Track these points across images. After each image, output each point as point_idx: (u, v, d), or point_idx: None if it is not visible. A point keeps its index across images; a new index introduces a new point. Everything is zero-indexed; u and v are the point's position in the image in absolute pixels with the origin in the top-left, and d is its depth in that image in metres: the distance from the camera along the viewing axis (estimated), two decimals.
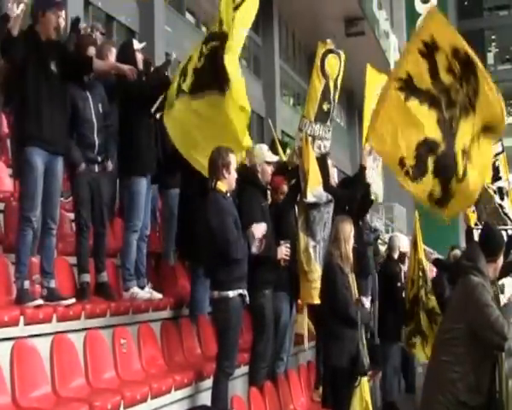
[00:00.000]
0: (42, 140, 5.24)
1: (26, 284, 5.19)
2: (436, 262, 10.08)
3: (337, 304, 6.00)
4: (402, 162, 6.59)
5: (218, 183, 5.57)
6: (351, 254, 6.18)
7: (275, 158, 6.55)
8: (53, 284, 5.35)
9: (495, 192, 10.14)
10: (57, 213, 5.50)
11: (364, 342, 6.52)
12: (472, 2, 43.34)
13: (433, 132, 6.62)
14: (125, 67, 5.98)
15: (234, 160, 5.65)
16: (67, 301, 5.26)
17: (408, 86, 6.61)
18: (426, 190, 6.58)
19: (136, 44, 6.60)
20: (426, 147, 6.63)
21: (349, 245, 6.16)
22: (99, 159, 6.06)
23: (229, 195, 5.66)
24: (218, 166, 5.56)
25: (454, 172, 6.53)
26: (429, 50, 6.55)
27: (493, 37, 43.43)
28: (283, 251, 6.27)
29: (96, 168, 6.06)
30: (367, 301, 6.65)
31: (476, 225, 10.03)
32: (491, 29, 43.28)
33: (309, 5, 24.01)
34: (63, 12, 5.47)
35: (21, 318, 4.79)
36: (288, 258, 6.31)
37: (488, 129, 6.62)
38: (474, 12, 42.91)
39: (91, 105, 6.00)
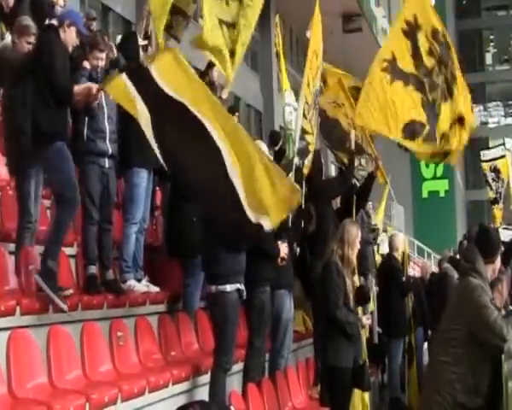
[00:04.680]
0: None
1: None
2: (451, 259, 10.16)
3: (328, 303, 5.95)
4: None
5: None
6: (353, 258, 6.09)
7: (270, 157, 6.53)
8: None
9: None
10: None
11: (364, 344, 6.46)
12: (470, 2, 43.31)
13: (419, 114, 6.86)
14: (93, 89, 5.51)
15: None
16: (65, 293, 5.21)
17: (393, 68, 6.92)
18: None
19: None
20: (412, 128, 7.01)
21: (352, 249, 6.04)
22: (110, 151, 5.99)
23: None
24: None
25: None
26: (411, 29, 6.85)
27: (491, 37, 43.45)
28: (285, 250, 6.22)
29: (107, 163, 5.99)
30: (367, 320, 6.55)
31: (501, 223, 10.06)
32: (489, 29, 43.30)
33: (306, 1, 23.93)
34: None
35: (17, 308, 4.74)
36: (286, 257, 6.27)
37: (461, 121, 6.92)
38: (472, 12, 42.90)
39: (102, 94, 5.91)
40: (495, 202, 11.51)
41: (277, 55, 8.25)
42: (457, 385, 4.64)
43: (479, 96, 41.76)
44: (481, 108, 41.98)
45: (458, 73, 7.01)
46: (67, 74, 5.33)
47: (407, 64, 6.81)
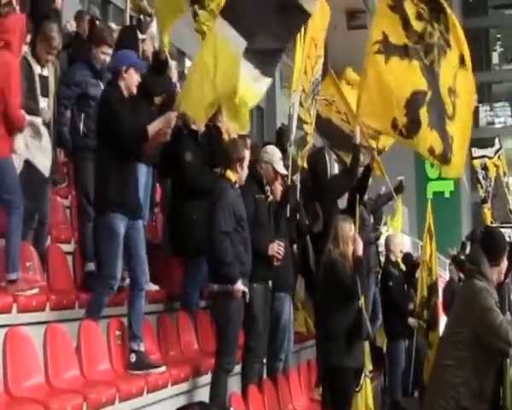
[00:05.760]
0: (125, 207, 5.18)
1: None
2: (454, 258, 10.07)
3: (340, 287, 5.95)
4: (394, 124, 6.78)
5: (228, 171, 5.58)
6: (349, 254, 6.09)
7: (284, 171, 6.42)
8: (142, 347, 5.21)
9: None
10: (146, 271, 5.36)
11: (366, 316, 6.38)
12: (477, 1, 43.10)
13: (419, 83, 6.88)
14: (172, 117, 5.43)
15: (248, 155, 5.68)
16: (158, 370, 5.17)
17: (385, 47, 6.92)
18: (425, 146, 6.77)
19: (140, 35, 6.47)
20: (415, 101, 6.77)
21: (348, 245, 6.07)
22: None
23: (237, 186, 5.64)
24: (233, 159, 5.58)
25: (444, 113, 6.74)
26: (397, 2, 6.67)
27: (498, 36, 43.27)
28: (275, 248, 6.11)
29: None
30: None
31: (491, 223, 9.94)
32: (496, 28, 43.12)
33: None
34: None
35: (14, 305, 4.71)
36: (280, 256, 6.15)
37: (462, 59, 6.87)
38: (478, 10, 42.65)
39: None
40: (484, 201, 11.41)
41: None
42: (461, 389, 4.61)
43: (485, 95, 41.58)
44: (488, 108, 41.73)
45: (452, 19, 6.97)
46: (136, 128, 5.28)
47: (399, 37, 6.80)
